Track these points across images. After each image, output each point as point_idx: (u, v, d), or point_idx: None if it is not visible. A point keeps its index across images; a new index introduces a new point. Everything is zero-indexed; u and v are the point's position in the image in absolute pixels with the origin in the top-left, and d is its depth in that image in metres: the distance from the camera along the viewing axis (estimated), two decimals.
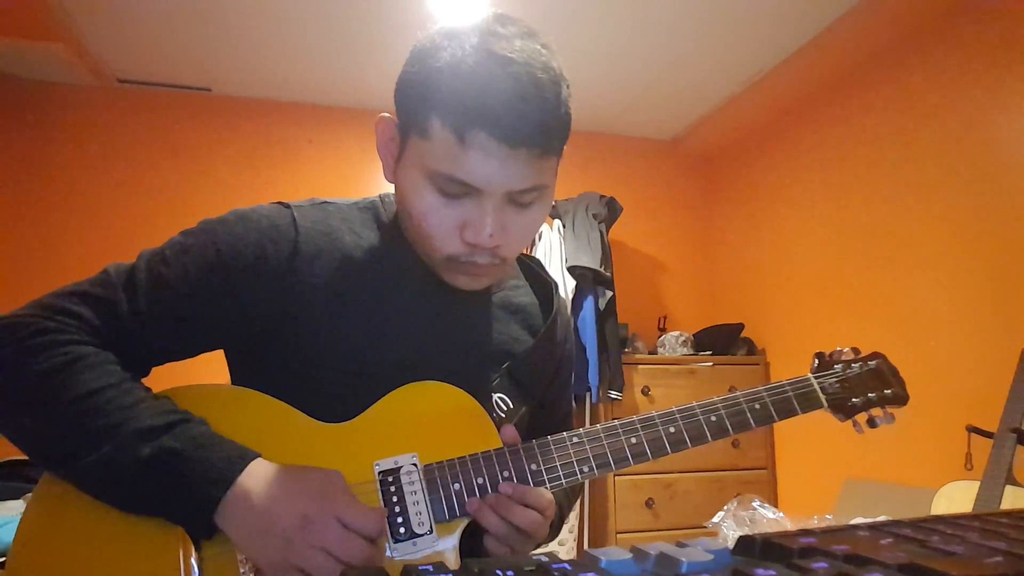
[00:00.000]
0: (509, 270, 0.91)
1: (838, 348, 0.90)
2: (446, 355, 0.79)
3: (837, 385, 0.85)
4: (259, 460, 0.66)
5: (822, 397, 0.84)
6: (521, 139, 0.66)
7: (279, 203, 0.79)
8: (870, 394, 0.86)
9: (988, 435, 1.69)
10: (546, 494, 0.72)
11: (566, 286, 2.93)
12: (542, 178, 0.71)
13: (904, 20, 2.46)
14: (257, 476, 0.64)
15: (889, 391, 0.86)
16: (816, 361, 0.89)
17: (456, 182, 0.68)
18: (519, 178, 0.69)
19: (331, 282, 0.75)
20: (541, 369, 0.88)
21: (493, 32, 0.68)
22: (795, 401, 0.82)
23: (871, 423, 0.86)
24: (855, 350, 0.90)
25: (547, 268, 0.97)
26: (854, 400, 0.85)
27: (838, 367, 0.87)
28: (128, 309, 0.69)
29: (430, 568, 0.28)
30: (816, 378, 0.85)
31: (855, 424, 0.86)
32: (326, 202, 0.82)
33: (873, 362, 0.88)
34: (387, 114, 0.77)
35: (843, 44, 2.65)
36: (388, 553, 0.67)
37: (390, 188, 0.88)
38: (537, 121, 0.67)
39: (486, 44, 0.67)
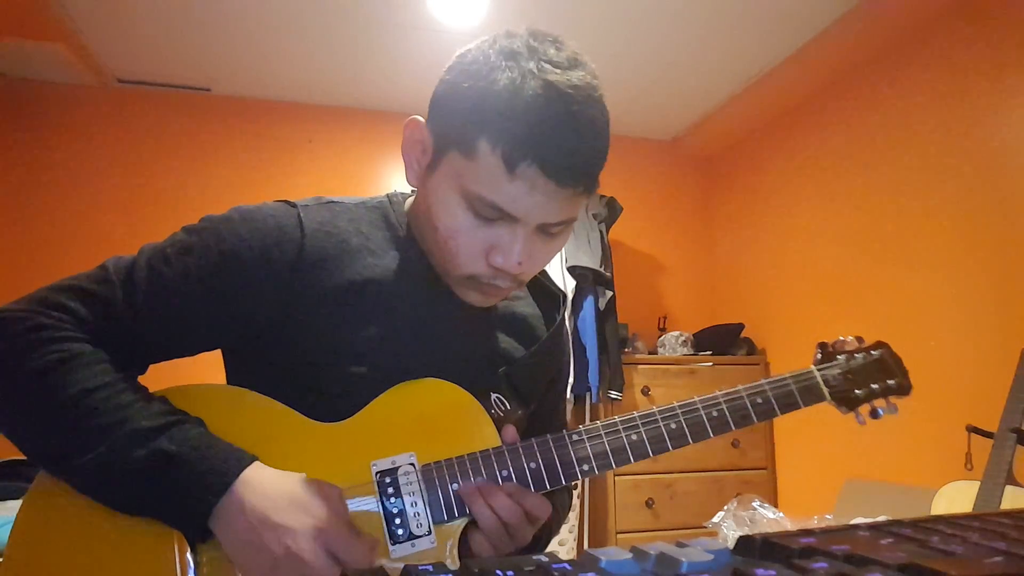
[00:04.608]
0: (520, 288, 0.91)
1: (841, 337, 0.89)
2: (448, 360, 0.78)
3: (840, 377, 0.84)
4: (256, 464, 0.65)
5: (824, 390, 0.83)
6: (569, 179, 0.67)
7: (285, 202, 0.77)
8: (873, 385, 0.84)
9: (988, 435, 1.69)
10: (542, 505, 0.71)
11: (566, 286, 2.92)
12: (574, 212, 0.72)
13: (904, 20, 2.46)
14: (253, 485, 0.63)
15: (892, 381, 0.85)
16: (819, 352, 0.87)
17: (495, 208, 0.68)
18: (556, 212, 0.69)
19: (336, 284, 0.74)
20: (539, 375, 0.87)
21: (549, 58, 0.67)
22: (797, 394, 0.81)
23: (873, 414, 0.85)
24: (859, 339, 0.88)
25: (547, 268, 0.97)
26: (857, 392, 0.84)
27: (841, 358, 0.86)
28: (125, 307, 0.68)
29: (430, 568, 0.28)
30: (819, 370, 0.84)
31: (857, 415, 0.85)
32: (333, 201, 0.80)
33: (876, 352, 0.87)
34: (419, 117, 0.75)
35: (843, 44, 2.65)
36: (388, 554, 0.67)
37: (392, 187, 0.87)
38: (587, 163, 0.68)
39: (544, 73, 0.66)
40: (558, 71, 0.66)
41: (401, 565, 0.29)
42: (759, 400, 0.80)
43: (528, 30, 0.71)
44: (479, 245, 0.71)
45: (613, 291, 3.02)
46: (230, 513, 0.62)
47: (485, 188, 0.67)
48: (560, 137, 0.65)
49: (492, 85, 0.66)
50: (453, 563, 0.68)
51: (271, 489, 0.64)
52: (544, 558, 0.29)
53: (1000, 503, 1.58)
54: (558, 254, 2.94)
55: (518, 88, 0.65)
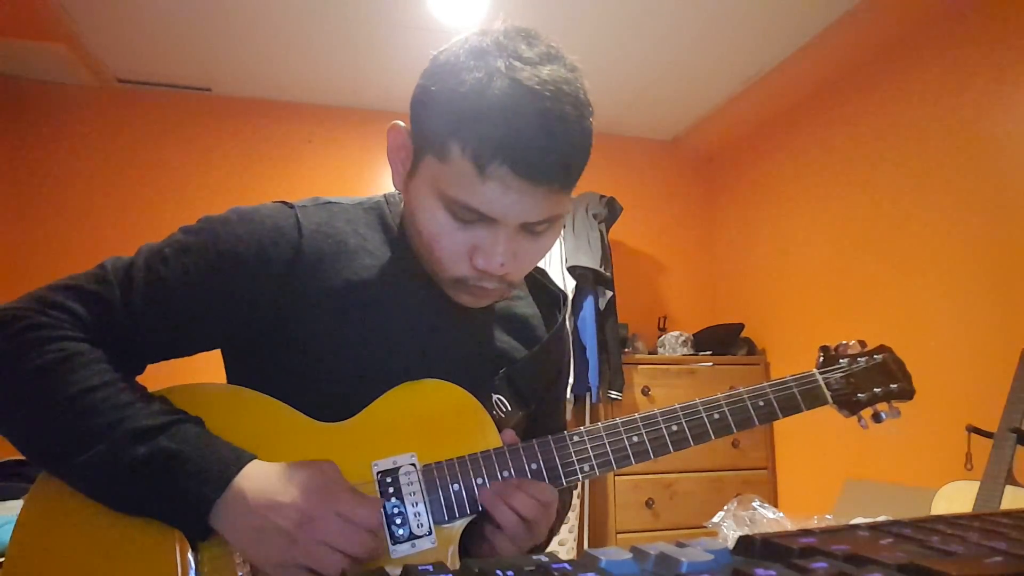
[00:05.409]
0: (514, 289, 0.90)
1: (844, 341, 0.88)
2: (446, 361, 0.79)
3: (843, 380, 0.84)
4: (255, 462, 0.66)
5: (827, 393, 0.83)
6: (543, 176, 0.66)
7: (282, 203, 0.78)
8: (876, 389, 0.84)
9: (988, 435, 1.69)
10: (549, 488, 0.72)
11: (566, 286, 2.92)
12: (558, 209, 0.71)
13: (904, 20, 2.46)
14: (252, 477, 0.64)
15: (895, 385, 0.85)
16: (821, 356, 0.87)
17: (471, 210, 0.68)
18: (536, 211, 0.69)
19: (334, 285, 0.74)
20: (541, 375, 0.87)
21: (519, 55, 0.66)
22: (800, 398, 0.81)
23: (876, 418, 0.85)
24: (861, 343, 0.88)
25: (547, 268, 0.96)
26: (859, 396, 0.83)
27: (844, 361, 0.85)
28: (123, 307, 0.68)
29: (430, 568, 0.28)
30: (821, 374, 0.84)
31: (860, 419, 0.85)
32: (330, 202, 0.81)
33: (879, 356, 0.87)
34: (400, 122, 0.75)
35: (843, 44, 2.65)
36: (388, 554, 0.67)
37: (390, 188, 0.87)
38: (560, 159, 0.66)
39: (513, 71, 0.65)
40: (527, 68, 0.65)
41: (401, 566, 0.29)
42: (761, 403, 0.79)
43: (502, 27, 0.70)
44: (461, 248, 0.71)
45: (613, 291, 3.02)
46: (233, 506, 0.62)
47: (460, 191, 0.67)
48: (529, 135, 0.64)
49: (460, 86, 0.66)
50: (453, 563, 0.68)
51: (270, 477, 0.64)
52: (544, 558, 0.29)
53: (1000, 503, 1.58)
54: (558, 254, 2.95)
55: (485, 88, 0.65)
